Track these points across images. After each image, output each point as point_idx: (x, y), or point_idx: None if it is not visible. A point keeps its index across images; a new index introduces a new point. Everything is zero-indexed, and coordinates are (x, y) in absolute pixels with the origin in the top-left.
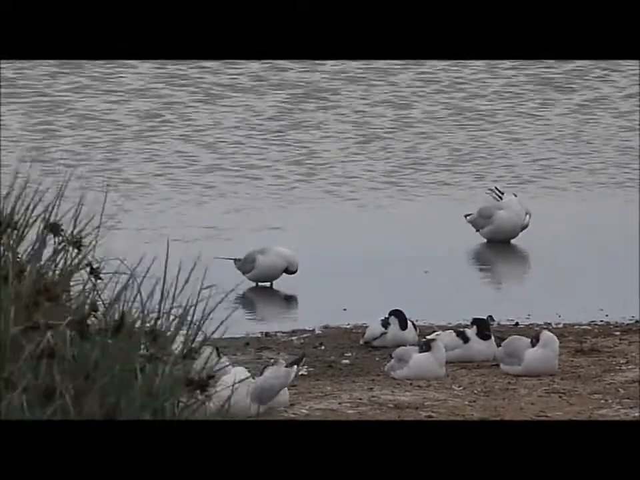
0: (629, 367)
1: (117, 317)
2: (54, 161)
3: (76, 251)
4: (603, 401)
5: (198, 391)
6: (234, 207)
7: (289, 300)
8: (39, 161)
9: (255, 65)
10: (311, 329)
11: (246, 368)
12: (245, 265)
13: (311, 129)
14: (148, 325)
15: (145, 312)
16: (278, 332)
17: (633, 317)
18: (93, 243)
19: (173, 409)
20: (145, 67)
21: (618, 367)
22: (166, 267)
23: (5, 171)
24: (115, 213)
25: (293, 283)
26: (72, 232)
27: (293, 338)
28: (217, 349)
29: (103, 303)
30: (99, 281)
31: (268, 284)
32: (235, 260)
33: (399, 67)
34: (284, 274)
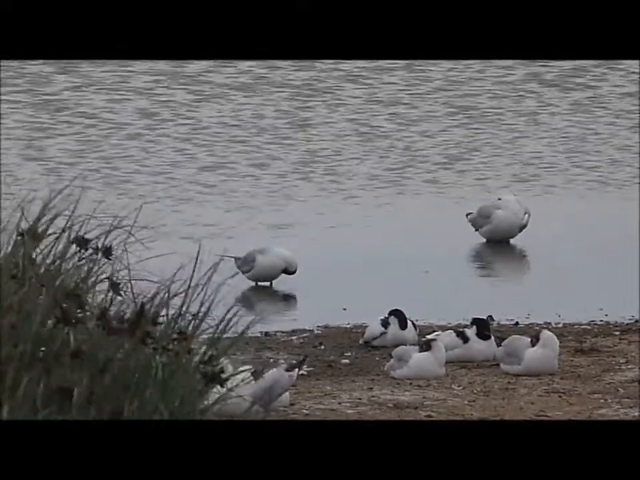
0: (629, 366)
1: (135, 314)
2: (54, 159)
3: (103, 259)
4: (602, 401)
5: (213, 384)
6: (234, 205)
7: (289, 299)
8: (38, 159)
9: (255, 64)
10: (310, 328)
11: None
12: (244, 264)
13: (311, 127)
14: (168, 324)
15: (165, 311)
16: (278, 331)
17: (632, 316)
18: (115, 250)
19: (190, 405)
20: (146, 65)
21: (617, 367)
22: (195, 269)
23: (15, 175)
24: (124, 214)
25: (293, 283)
26: (100, 243)
27: (293, 337)
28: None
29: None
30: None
31: (267, 283)
32: (235, 259)
33: (400, 65)
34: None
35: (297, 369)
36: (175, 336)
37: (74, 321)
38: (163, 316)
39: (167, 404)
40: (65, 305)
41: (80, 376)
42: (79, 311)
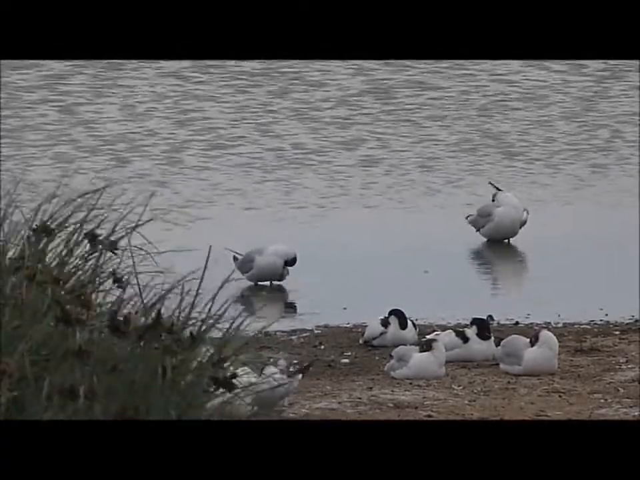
0: (629, 366)
1: (151, 317)
2: (65, 158)
3: (109, 254)
4: (602, 400)
5: (223, 389)
6: (235, 204)
7: (289, 299)
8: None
9: (254, 63)
10: (310, 328)
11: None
12: (243, 265)
13: (315, 127)
14: (179, 325)
15: (176, 313)
16: (278, 331)
17: (632, 316)
18: (125, 245)
19: (200, 408)
20: (151, 65)
21: (618, 366)
22: (204, 272)
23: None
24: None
25: (293, 282)
26: (107, 236)
27: (293, 337)
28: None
29: (144, 304)
30: (129, 282)
31: (267, 283)
32: (234, 257)
33: (393, 65)
34: (287, 267)
35: (301, 375)
36: (181, 337)
37: (76, 321)
38: (180, 319)
39: (175, 405)
40: (67, 305)
41: (84, 376)
42: (82, 310)
